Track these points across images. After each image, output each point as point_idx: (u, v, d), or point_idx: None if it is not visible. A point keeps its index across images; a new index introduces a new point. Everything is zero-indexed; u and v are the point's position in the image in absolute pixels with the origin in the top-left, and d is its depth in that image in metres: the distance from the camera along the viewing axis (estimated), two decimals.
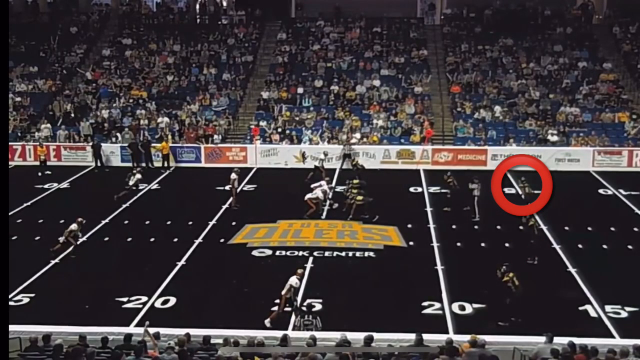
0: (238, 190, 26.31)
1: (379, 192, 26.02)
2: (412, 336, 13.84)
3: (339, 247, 21.57)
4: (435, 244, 21.91)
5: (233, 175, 25.53)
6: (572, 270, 19.56)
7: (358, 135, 33.43)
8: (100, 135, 34.20)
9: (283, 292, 16.40)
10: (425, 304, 17.46)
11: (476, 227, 23.64)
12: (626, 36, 39.76)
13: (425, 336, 13.64)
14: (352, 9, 43.36)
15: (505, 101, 35.69)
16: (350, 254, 21.15)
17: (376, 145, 32.95)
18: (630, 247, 21.56)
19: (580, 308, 17.18)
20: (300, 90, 37.08)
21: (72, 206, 25.97)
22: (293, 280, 16.51)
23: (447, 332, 15.71)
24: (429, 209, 25.68)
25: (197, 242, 22.19)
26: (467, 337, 13.68)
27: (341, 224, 23.72)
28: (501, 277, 16.88)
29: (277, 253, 20.99)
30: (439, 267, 19.92)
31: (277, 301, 16.66)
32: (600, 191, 28.28)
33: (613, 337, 15.47)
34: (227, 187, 26.01)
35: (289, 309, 16.37)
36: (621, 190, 27.80)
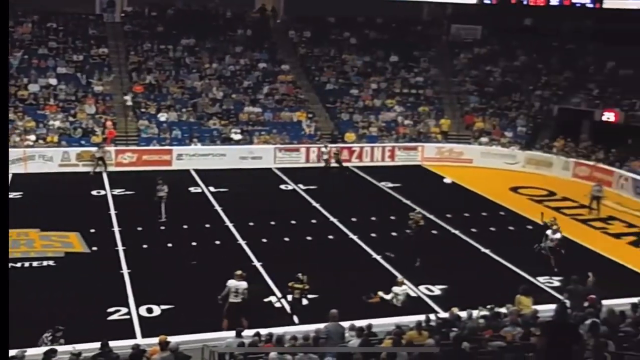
0: None
1: (57, 197, 24.42)
2: (97, 345, 12.92)
3: (13, 257, 19.32)
4: (120, 248, 21.12)
5: None
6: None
7: (33, 137, 30.92)
8: None
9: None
10: (111, 309, 16.72)
11: (162, 227, 23.27)
12: (301, 40, 42.02)
13: (112, 343, 12.88)
14: (23, 3, 40.08)
15: (189, 101, 35.66)
16: (27, 264, 19.49)
17: (54, 147, 30.83)
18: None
19: None
20: None
21: None
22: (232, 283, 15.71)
23: (135, 337, 15.11)
24: (113, 212, 24.67)
25: None
26: (155, 340, 13.10)
27: (16, 232, 21.38)
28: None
29: None
30: (125, 271, 19.24)
31: None
32: (282, 187, 29.61)
33: None
34: None
35: None
36: (300, 185, 29.39)
